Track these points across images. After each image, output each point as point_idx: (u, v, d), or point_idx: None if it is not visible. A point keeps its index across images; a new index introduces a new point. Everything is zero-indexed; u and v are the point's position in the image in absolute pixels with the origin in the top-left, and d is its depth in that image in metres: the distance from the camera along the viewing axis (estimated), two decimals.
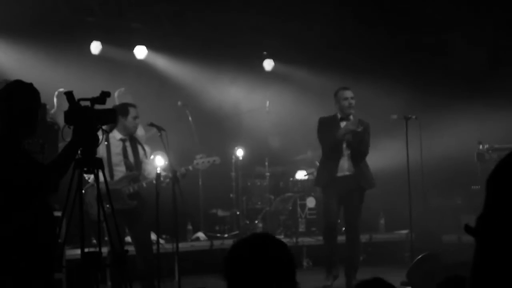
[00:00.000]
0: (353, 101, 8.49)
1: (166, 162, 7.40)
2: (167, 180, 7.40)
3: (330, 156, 8.54)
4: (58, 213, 5.43)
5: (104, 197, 5.23)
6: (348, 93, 8.52)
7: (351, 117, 8.44)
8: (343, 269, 8.46)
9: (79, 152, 4.84)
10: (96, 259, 4.90)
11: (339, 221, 9.10)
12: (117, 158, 7.53)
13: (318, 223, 10.94)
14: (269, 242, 2.72)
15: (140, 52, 11.86)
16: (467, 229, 1.25)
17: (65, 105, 4.92)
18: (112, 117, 5.01)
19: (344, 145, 8.46)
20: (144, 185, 7.40)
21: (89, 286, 4.94)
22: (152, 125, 7.72)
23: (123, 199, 7.40)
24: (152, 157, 7.51)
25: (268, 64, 12.91)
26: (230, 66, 11.85)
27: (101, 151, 7.48)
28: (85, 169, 4.98)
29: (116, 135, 7.57)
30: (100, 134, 4.94)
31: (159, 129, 7.56)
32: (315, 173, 11.55)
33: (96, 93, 4.99)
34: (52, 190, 4.70)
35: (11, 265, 4.40)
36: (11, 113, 4.60)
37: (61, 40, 10.63)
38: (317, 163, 11.58)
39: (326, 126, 8.52)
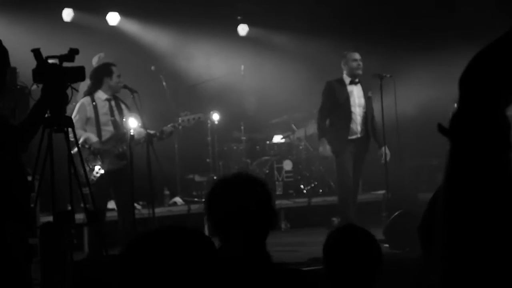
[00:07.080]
0: (361, 63, 8.74)
1: (139, 124, 7.34)
2: (142, 141, 7.39)
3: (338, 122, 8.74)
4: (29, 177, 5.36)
5: (75, 157, 5.19)
6: (357, 55, 8.78)
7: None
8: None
9: (48, 111, 4.79)
10: (68, 218, 4.87)
11: None
12: (104, 117, 7.57)
13: (296, 185, 10.95)
14: (244, 181, 2.73)
15: (113, 18, 11.72)
16: (440, 128, 1.19)
17: None
18: (81, 74, 4.95)
19: (358, 109, 8.72)
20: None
21: (62, 246, 4.90)
22: (125, 87, 7.66)
23: (113, 159, 7.45)
24: (124, 119, 7.46)
25: (242, 29, 12.78)
26: (203, 30, 11.71)
27: (89, 112, 7.48)
28: (55, 128, 4.94)
29: (101, 95, 7.62)
30: (69, 92, 4.89)
31: (132, 91, 7.51)
32: (291, 136, 11.59)
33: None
34: (21, 150, 4.64)
35: None
36: None
37: (33, 7, 10.46)
38: (293, 126, 11.59)
39: (332, 91, 8.73)
